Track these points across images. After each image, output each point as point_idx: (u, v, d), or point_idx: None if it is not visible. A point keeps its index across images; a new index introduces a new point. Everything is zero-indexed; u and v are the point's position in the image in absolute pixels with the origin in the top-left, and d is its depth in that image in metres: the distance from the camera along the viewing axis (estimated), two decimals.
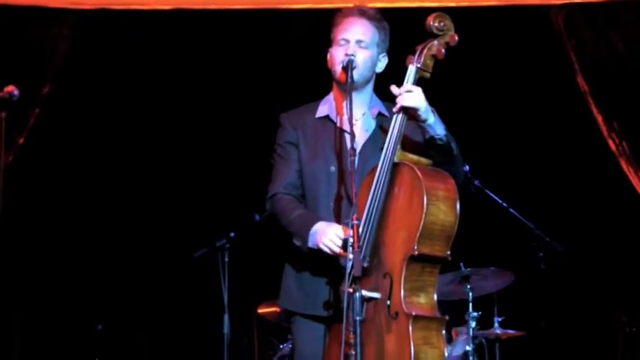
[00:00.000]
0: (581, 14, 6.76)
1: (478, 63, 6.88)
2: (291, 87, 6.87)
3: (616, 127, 6.66)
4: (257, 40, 6.96)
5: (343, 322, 3.37)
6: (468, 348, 5.62)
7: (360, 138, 3.75)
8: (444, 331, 3.50)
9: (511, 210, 5.95)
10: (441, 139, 3.63)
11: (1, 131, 4.07)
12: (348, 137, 3.71)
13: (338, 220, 3.65)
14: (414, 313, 3.40)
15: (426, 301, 3.49)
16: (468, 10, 6.80)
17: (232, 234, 5.91)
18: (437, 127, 3.63)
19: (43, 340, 7.10)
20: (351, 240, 3.36)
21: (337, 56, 3.76)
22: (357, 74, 3.72)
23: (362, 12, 3.81)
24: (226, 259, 5.86)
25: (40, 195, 7.05)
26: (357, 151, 3.64)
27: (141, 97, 7.12)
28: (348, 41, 3.75)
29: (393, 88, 3.63)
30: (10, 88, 4.12)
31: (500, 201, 5.95)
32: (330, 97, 3.89)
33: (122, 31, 6.95)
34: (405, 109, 3.59)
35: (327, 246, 3.54)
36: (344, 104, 3.72)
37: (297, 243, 3.69)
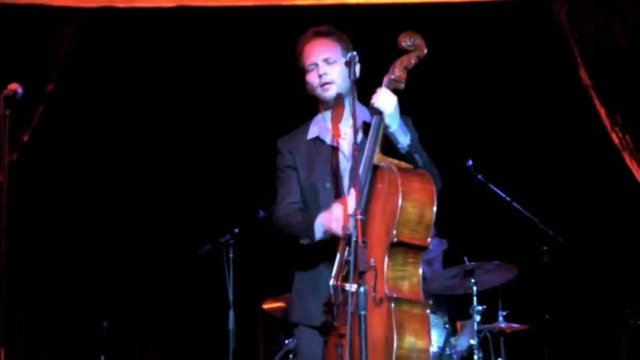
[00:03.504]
0: (584, 8, 6.75)
1: (481, 57, 6.88)
2: (294, 83, 6.88)
3: (619, 120, 6.66)
4: (260, 37, 6.96)
5: (333, 316, 3.53)
6: (472, 342, 5.64)
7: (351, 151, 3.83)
8: (428, 312, 3.61)
9: (514, 204, 5.97)
10: (403, 148, 3.77)
11: (6, 129, 4.08)
12: (339, 154, 3.86)
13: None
14: (395, 295, 3.53)
15: (409, 288, 3.61)
16: (470, 5, 6.80)
17: (237, 230, 5.94)
18: (399, 137, 3.76)
19: (49, 337, 7.13)
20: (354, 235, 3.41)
21: (313, 81, 3.91)
22: (337, 89, 3.88)
23: (317, 33, 3.96)
24: (231, 255, 5.88)
25: (45, 191, 7.07)
26: (350, 165, 3.79)
27: (145, 94, 7.14)
28: (316, 64, 3.90)
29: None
30: (14, 86, 4.13)
31: (504, 195, 5.96)
32: (319, 117, 4.00)
33: (126, 28, 6.96)
34: (376, 111, 3.74)
35: (337, 225, 3.62)
36: (334, 119, 3.90)
37: (305, 242, 3.77)
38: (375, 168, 3.70)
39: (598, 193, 6.96)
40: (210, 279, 6.23)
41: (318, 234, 3.72)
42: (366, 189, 3.66)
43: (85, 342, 7.01)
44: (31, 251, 6.99)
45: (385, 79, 3.80)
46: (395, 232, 3.56)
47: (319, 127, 3.96)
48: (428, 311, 3.62)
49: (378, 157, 3.70)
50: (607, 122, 6.70)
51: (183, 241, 6.71)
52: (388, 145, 3.77)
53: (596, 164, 6.92)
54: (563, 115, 7.02)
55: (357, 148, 3.59)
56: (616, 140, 6.67)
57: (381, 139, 3.72)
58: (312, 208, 3.85)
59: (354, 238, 3.41)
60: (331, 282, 3.59)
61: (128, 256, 7.13)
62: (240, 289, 5.88)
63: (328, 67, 3.88)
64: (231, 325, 5.76)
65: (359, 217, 3.41)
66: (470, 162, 5.89)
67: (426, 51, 3.83)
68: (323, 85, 3.88)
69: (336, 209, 3.64)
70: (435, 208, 3.66)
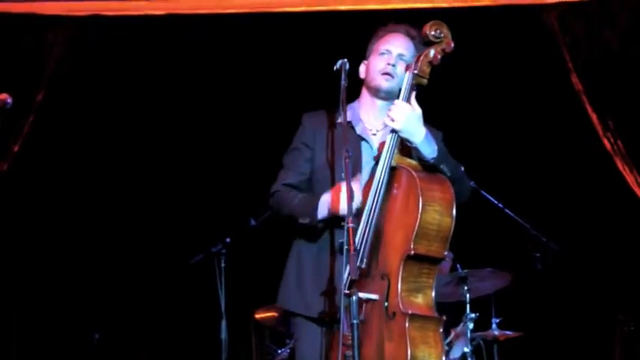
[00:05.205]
0: (574, 12, 6.75)
1: (472, 63, 6.87)
2: (285, 91, 6.87)
3: (611, 125, 6.65)
4: (250, 44, 6.95)
5: (341, 323, 3.39)
6: (466, 349, 5.62)
7: (379, 150, 3.75)
8: (441, 330, 3.52)
9: (507, 211, 5.95)
10: (427, 161, 3.66)
11: None
12: (365, 145, 3.79)
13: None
14: (410, 312, 3.44)
15: (423, 301, 3.53)
16: (460, 11, 6.79)
17: (228, 239, 5.91)
18: (424, 149, 3.64)
19: (40, 349, 7.08)
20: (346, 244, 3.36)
21: (377, 65, 3.83)
22: (394, 83, 3.79)
23: (407, 31, 3.89)
24: (223, 265, 5.86)
25: (36, 201, 7.04)
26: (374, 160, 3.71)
27: (135, 103, 7.11)
28: (390, 52, 3.83)
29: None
30: (4, 96, 4.10)
31: (496, 202, 5.94)
32: (355, 104, 3.92)
33: (115, 37, 6.94)
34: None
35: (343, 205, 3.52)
36: (371, 112, 3.86)
37: (305, 221, 3.68)
38: (393, 169, 3.61)
39: (590, 199, 6.94)
40: (202, 289, 6.20)
41: (322, 213, 3.64)
42: (382, 191, 3.58)
43: (76, 353, 6.98)
44: (22, 261, 6.95)
45: (408, 74, 3.70)
46: (412, 244, 3.47)
47: (353, 112, 3.86)
48: (442, 331, 3.52)
49: (396, 158, 3.62)
50: (599, 128, 6.68)
51: (175, 251, 6.69)
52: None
53: (588, 170, 6.91)
54: (555, 121, 7.00)
55: (349, 156, 3.50)
56: (608, 146, 6.66)
57: (398, 145, 3.63)
58: (319, 192, 3.73)
59: (345, 246, 3.34)
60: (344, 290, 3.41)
61: (119, 267, 7.10)
62: (232, 299, 5.85)
63: (400, 62, 3.80)
64: (223, 335, 5.74)
65: (350, 225, 3.35)
66: (462, 168, 5.86)
67: (453, 45, 3.72)
68: (385, 73, 3.80)
69: (344, 189, 3.51)
70: (453, 219, 3.56)
